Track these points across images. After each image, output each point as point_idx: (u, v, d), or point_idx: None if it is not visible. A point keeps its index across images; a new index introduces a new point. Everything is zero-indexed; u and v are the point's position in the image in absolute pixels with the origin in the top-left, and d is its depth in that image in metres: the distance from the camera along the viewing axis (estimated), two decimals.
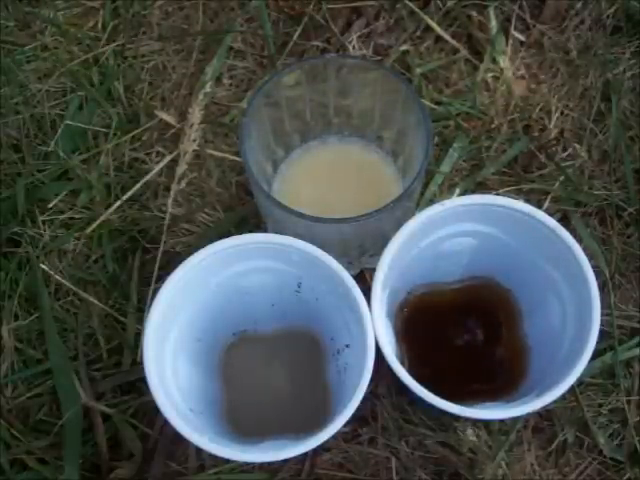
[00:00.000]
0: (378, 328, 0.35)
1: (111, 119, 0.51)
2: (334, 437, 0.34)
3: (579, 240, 0.38)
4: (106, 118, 0.51)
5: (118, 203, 0.48)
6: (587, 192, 0.49)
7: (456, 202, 0.38)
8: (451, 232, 0.40)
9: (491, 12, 0.53)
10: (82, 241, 0.48)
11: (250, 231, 0.38)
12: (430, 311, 0.43)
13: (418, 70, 0.51)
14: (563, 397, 0.36)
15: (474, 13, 0.53)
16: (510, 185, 0.49)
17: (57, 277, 0.47)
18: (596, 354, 0.38)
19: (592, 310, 0.36)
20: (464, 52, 0.52)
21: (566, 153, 0.50)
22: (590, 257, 0.37)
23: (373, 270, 0.37)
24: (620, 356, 0.45)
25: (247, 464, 0.43)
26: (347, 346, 0.39)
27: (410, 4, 0.53)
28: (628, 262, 0.47)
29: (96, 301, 0.46)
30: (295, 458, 0.43)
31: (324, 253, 0.36)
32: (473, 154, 0.50)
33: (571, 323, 0.38)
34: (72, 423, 0.43)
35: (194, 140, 0.49)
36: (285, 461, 0.43)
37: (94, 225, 0.48)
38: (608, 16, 0.53)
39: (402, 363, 0.36)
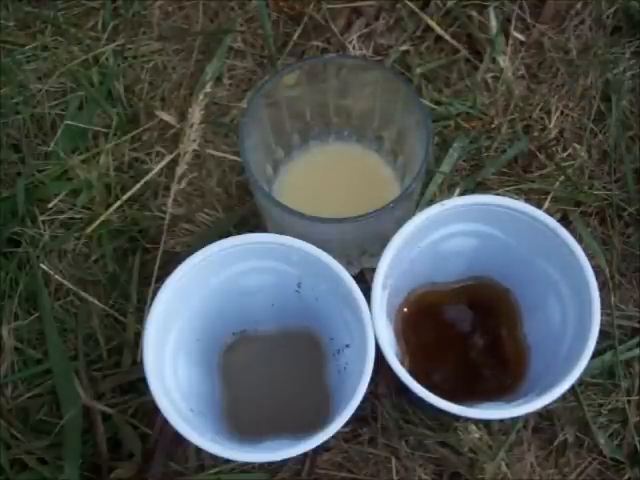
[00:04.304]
0: (378, 328, 0.35)
1: (111, 119, 0.51)
2: (334, 437, 0.34)
3: (579, 240, 0.38)
4: (106, 118, 0.51)
5: (118, 203, 0.48)
6: (587, 192, 0.49)
7: (456, 202, 0.38)
8: (451, 232, 0.40)
9: (491, 12, 0.53)
10: (82, 241, 0.48)
11: (250, 231, 0.38)
12: (430, 311, 0.43)
13: (418, 70, 0.51)
14: (563, 397, 0.36)
15: (474, 13, 0.53)
16: (510, 185, 0.49)
17: (57, 277, 0.47)
18: (596, 354, 0.38)
19: (592, 310, 0.36)
20: (464, 52, 0.52)
21: (566, 153, 0.50)
22: (590, 257, 0.37)
23: (373, 270, 0.37)
24: (620, 356, 0.45)
25: (247, 464, 0.43)
26: (347, 346, 0.39)
27: (410, 4, 0.53)
28: (628, 262, 0.47)
29: (96, 301, 0.46)
30: (295, 458, 0.42)
31: (324, 253, 0.36)
32: (473, 154, 0.50)
33: (571, 323, 0.38)
34: (72, 423, 0.43)
35: (194, 140, 0.49)
36: (285, 461, 0.43)
37: (94, 225, 0.48)
38: (608, 16, 0.53)
39: (402, 363, 0.36)
